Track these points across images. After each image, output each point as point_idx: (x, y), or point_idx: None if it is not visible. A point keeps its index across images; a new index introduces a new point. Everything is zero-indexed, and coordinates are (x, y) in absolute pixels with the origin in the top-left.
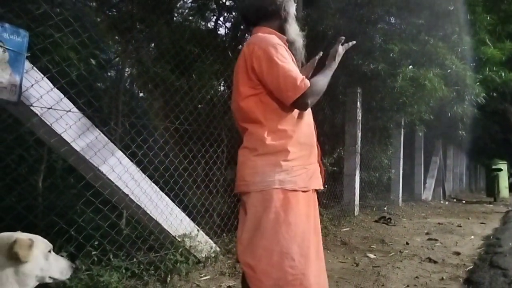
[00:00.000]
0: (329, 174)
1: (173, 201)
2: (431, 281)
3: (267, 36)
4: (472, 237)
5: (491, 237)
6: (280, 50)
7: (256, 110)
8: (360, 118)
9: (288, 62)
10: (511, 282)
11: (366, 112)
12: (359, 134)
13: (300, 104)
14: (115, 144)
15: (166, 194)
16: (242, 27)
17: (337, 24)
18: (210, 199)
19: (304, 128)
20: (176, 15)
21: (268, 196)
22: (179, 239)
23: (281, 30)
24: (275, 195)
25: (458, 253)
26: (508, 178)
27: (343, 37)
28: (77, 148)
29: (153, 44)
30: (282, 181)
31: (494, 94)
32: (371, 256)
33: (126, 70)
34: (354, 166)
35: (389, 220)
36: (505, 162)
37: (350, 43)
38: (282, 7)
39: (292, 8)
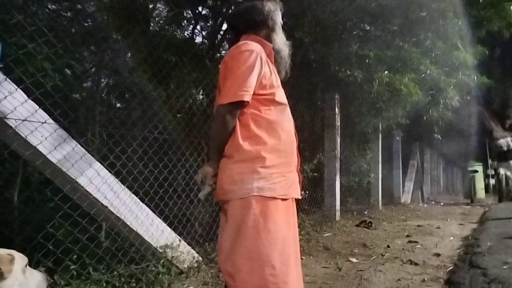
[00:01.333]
0: (309, 180)
1: (154, 212)
2: (413, 283)
3: (249, 43)
4: (451, 238)
5: (470, 238)
6: (252, 58)
7: None
8: (339, 123)
9: (251, 73)
10: (490, 281)
11: (344, 118)
12: (338, 140)
13: (220, 106)
14: (92, 155)
15: (146, 204)
16: (219, 35)
17: (314, 31)
18: (191, 209)
19: (282, 135)
20: (152, 24)
21: (247, 203)
22: (161, 250)
23: (268, 39)
24: (254, 202)
25: (438, 255)
26: (484, 180)
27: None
28: (54, 160)
29: (129, 54)
30: (261, 188)
31: (468, 98)
32: (354, 260)
33: (103, 80)
34: (334, 171)
35: (370, 224)
36: (481, 164)
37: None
38: (270, 17)
39: (278, 18)
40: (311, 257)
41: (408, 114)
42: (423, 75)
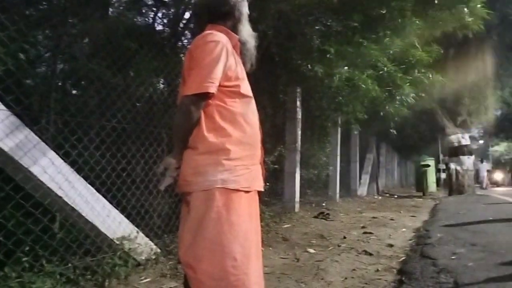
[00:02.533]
0: (270, 172)
1: (111, 203)
2: (367, 273)
3: (215, 33)
4: (404, 229)
5: (421, 229)
6: (218, 49)
7: None
8: (300, 117)
9: (217, 64)
10: (440, 271)
11: (305, 111)
12: (299, 133)
13: (185, 99)
14: (47, 144)
15: (103, 195)
16: (182, 24)
17: (277, 24)
18: (150, 200)
19: (247, 128)
20: (111, 9)
21: (210, 195)
22: (118, 242)
23: (234, 30)
24: (218, 194)
25: (391, 245)
26: (435, 174)
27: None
28: (5, 148)
29: (87, 39)
30: (225, 181)
31: (423, 95)
32: (311, 251)
33: (59, 66)
34: (295, 164)
35: (327, 215)
36: (433, 159)
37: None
38: (236, 7)
39: (245, 9)
40: (270, 248)
41: (366, 109)
42: (381, 72)
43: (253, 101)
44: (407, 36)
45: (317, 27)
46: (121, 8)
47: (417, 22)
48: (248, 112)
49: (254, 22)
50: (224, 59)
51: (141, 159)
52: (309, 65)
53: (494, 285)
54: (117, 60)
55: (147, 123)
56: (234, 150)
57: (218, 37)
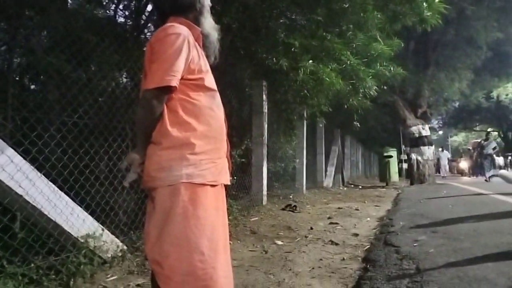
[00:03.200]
0: (237, 165)
1: (74, 200)
2: (333, 262)
3: (176, 26)
4: (368, 219)
5: (385, 218)
6: (179, 41)
7: None
8: (266, 110)
9: (178, 57)
10: (402, 258)
11: (272, 105)
12: (266, 126)
13: (147, 91)
14: (4, 141)
15: (66, 193)
16: (144, 16)
17: (241, 17)
18: (115, 196)
19: (212, 121)
20: (70, 1)
21: (175, 190)
22: (82, 240)
23: (196, 22)
24: (183, 189)
25: (356, 235)
26: (398, 164)
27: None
28: None
29: (45, 32)
30: (190, 175)
31: (385, 87)
32: (279, 242)
33: (15, 60)
34: (262, 157)
35: (294, 207)
36: (395, 150)
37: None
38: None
39: (207, 1)
40: (239, 242)
41: (331, 102)
42: (344, 65)
43: (217, 95)
44: (369, 30)
45: (281, 21)
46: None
47: (379, 16)
48: (212, 106)
49: (218, 15)
50: (185, 51)
51: (104, 155)
52: (274, 59)
53: (453, 269)
54: (77, 54)
55: (110, 118)
56: (199, 144)
57: (179, 30)
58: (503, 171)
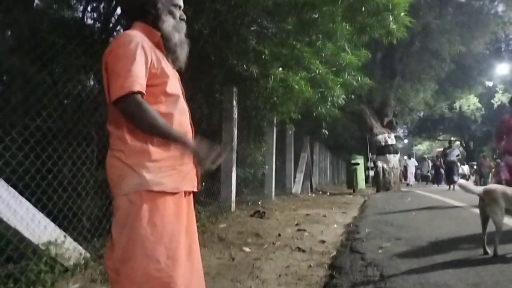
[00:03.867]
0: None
1: (35, 206)
2: (300, 269)
3: (129, 33)
4: (335, 225)
5: (351, 225)
6: (133, 48)
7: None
8: (236, 116)
9: (133, 63)
10: (367, 265)
11: (242, 111)
12: (236, 132)
13: (118, 106)
14: None
15: (27, 198)
16: (114, 18)
17: (212, 24)
18: (79, 202)
19: (173, 127)
20: (37, 1)
21: (133, 198)
22: (43, 247)
23: (155, 27)
24: (141, 197)
25: (323, 241)
26: (365, 171)
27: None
28: None
29: (9, 32)
30: (148, 183)
31: (352, 96)
32: (247, 250)
33: None
34: (231, 163)
35: (263, 214)
36: (362, 157)
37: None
38: (151, 4)
39: (162, 5)
40: (206, 249)
41: (300, 110)
42: (313, 74)
43: (181, 99)
44: (338, 40)
45: (252, 28)
46: (47, 0)
47: (347, 27)
48: (174, 112)
49: (189, 21)
50: (141, 56)
51: (68, 160)
52: (245, 65)
53: (415, 276)
54: (42, 55)
55: (75, 122)
56: (157, 151)
57: (131, 36)
58: (461, 181)
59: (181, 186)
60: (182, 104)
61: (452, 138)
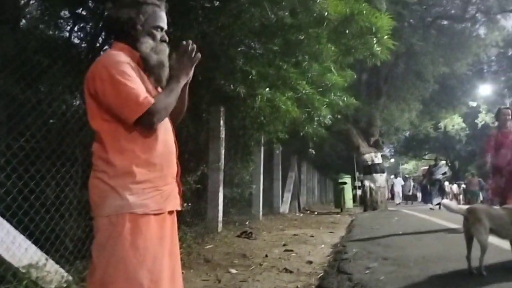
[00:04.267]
0: (193, 191)
1: (16, 228)
2: None
3: (112, 54)
4: (323, 246)
5: (338, 245)
6: (123, 67)
7: (101, 130)
8: (223, 136)
9: (131, 80)
10: (354, 286)
11: (229, 130)
12: (223, 152)
13: (144, 123)
14: None
15: (8, 220)
16: (101, 38)
17: (200, 44)
18: (62, 224)
19: (158, 147)
20: (24, 21)
21: (115, 220)
22: (24, 271)
23: (134, 47)
24: (123, 220)
25: (310, 262)
26: (352, 191)
27: (189, 44)
28: None
29: None
30: (131, 205)
31: (339, 116)
32: (233, 271)
33: None
34: (218, 183)
35: (250, 234)
36: (349, 176)
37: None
38: (130, 25)
39: (141, 26)
40: (191, 270)
41: (287, 129)
42: (300, 94)
43: (166, 118)
44: (324, 61)
45: (240, 49)
46: (35, 20)
47: (332, 49)
48: (159, 130)
49: (176, 41)
50: (131, 70)
51: (51, 180)
52: (232, 85)
53: None
54: (26, 75)
55: (59, 142)
56: (141, 172)
57: (115, 55)
58: (445, 201)
59: (164, 206)
60: (166, 123)
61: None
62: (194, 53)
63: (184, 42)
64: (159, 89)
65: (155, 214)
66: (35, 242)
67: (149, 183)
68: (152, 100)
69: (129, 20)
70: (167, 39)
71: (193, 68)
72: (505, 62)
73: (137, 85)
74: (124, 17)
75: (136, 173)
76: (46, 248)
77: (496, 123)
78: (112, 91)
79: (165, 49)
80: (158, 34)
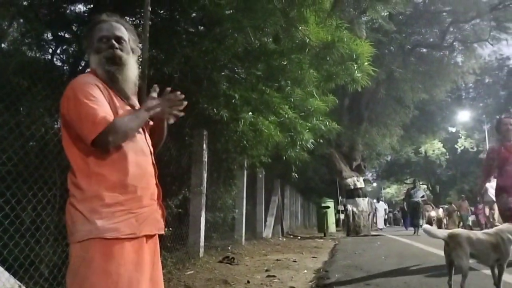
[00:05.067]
0: (174, 216)
1: None
2: None
3: (81, 76)
4: (305, 271)
5: (321, 270)
6: (88, 88)
7: (70, 153)
8: (206, 159)
9: (94, 101)
10: None
11: (212, 154)
12: (205, 175)
13: (98, 143)
14: None
15: None
16: (84, 61)
17: (183, 68)
18: (37, 250)
19: (130, 169)
20: (5, 43)
21: (86, 246)
22: None
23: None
24: (94, 245)
25: None
26: (335, 215)
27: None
28: None
29: None
30: (100, 230)
31: (321, 141)
32: None
33: None
34: (200, 207)
35: (232, 259)
36: (332, 200)
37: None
38: (87, 51)
39: (89, 47)
40: None
41: (270, 153)
42: (282, 118)
43: (138, 138)
44: (306, 86)
45: (223, 73)
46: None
47: (315, 74)
48: (130, 151)
49: (160, 64)
50: (97, 91)
51: (27, 205)
52: (215, 109)
53: None
54: (5, 97)
55: (37, 165)
56: (111, 195)
57: (82, 78)
58: (426, 226)
59: (139, 230)
60: (140, 144)
61: (417, 179)
62: (176, 103)
63: (178, 93)
64: (137, 106)
65: (129, 239)
66: (8, 269)
67: (120, 206)
68: (111, 119)
69: (85, 48)
70: (114, 44)
71: (170, 112)
72: (482, 89)
73: (99, 105)
74: (84, 46)
75: (105, 196)
76: (20, 274)
77: (496, 137)
78: (74, 111)
79: (116, 54)
80: (104, 45)
